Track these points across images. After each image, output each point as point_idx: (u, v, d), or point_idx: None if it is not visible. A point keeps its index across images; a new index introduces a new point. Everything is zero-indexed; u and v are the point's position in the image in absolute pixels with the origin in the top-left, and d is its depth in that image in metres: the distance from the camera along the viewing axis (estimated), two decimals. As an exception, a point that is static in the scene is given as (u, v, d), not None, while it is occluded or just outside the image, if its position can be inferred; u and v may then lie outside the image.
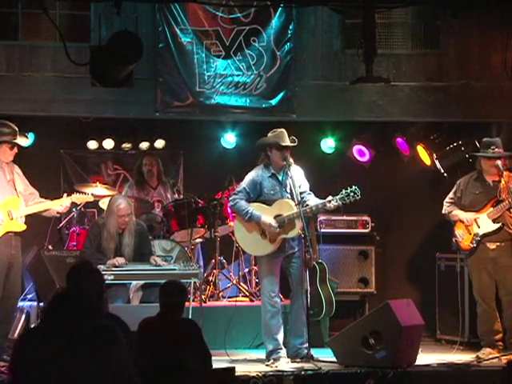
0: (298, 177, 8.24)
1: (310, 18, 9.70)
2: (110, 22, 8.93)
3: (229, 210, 9.76)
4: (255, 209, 8.17)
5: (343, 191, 8.05)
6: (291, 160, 8.21)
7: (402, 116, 10.02)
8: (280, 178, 8.22)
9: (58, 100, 9.41)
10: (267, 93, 9.63)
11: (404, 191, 10.87)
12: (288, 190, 8.18)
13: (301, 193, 8.16)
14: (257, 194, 8.24)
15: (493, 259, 8.50)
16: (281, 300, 8.36)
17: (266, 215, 8.12)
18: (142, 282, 8.55)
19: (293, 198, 8.10)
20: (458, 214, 8.65)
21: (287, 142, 8.13)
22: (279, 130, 8.22)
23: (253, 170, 8.32)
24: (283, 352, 8.13)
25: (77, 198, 8.57)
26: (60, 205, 8.37)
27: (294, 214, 8.02)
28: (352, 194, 8.03)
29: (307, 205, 8.10)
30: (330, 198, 8.05)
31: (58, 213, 8.55)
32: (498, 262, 8.49)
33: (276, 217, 8.11)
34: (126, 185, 10.72)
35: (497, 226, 8.48)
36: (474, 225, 8.55)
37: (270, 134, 8.25)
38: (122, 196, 9.11)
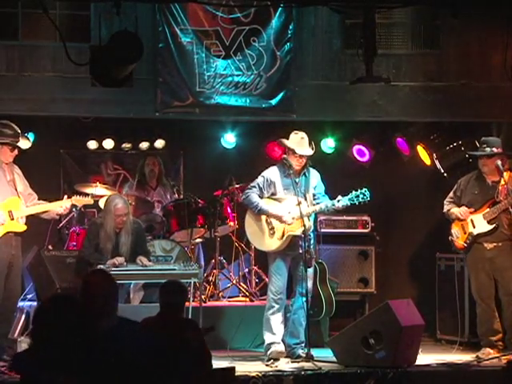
0: (314, 179, 8.35)
1: (310, 18, 9.70)
2: (110, 22, 8.91)
3: (229, 210, 9.78)
4: (266, 204, 8.23)
5: (353, 192, 8.12)
6: (309, 162, 8.28)
7: (402, 116, 10.02)
8: (295, 178, 8.25)
9: (58, 100, 9.40)
10: (267, 93, 9.63)
11: (404, 191, 10.86)
12: (302, 190, 8.22)
13: (314, 194, 8.25)
14: (270, 192, 8.32)
15: (490, 259, 8.51)
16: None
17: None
18: (143, 281, 8.56)
19: (305, 198, 8.15)
20: (454, 210, 8.66)
21: (305, 150, 8.19)
22: (300, 134, 8.27)
23: (270, 168, 8.38)
24: (281, 346, 8.15)
25: (77, 200, 8.57)
26: (60, 206, 8.37)
27: (303, 211, 8.04)
28: (361, 195, 8.11)
29: (317, 204, 8.19)
30: (339, 197, 8.14)
31: (57, 214, 8.55)
32: (495, 262, 8.50)
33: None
34: (125, 185, 10.72)
35: (491, 227, 8.48)
36: (470, 224, 8.56)
37: (292, 136, 8.30)
38: (118, 195, 9.09)
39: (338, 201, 8.13)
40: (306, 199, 8.20)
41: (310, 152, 8.25)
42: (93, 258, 8.40)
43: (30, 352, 4.38)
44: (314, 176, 8.40)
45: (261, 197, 8.29)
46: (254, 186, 8.34)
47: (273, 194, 8.31)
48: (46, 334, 4.27)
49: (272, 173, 8.34)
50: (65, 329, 4.28)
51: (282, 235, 8.18)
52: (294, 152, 8.22)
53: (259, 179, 8.36)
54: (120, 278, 8.26)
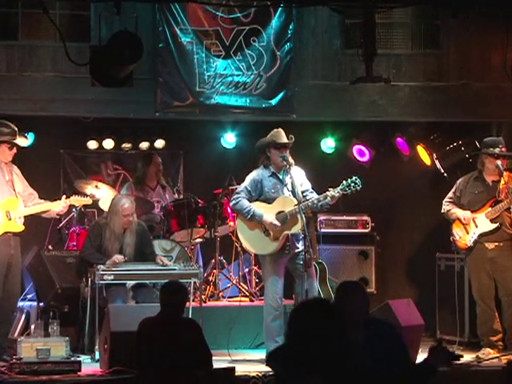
0: (299, 176, 8.26)
1: (309, 17, 9.70)
2: (110, 21, 8.92)
3: (229, 210, 9.77)
4: (257, 207, 8.19)
5: (344, 182, 8.06)
6: (291, 160, 8.23)
7: (402, 116, 10.02)
8: (280, 176, 8.24)
9: (58, 100, 9.40)
10: (267, 93, 9.62)
11: (404, 191, 10.87)
12: (289, 188, 8.19)
13: (303, 191, 8.19)
14: (258, 194, 8.26)
15: (491, 259, 8.51)
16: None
17: (268, 213, 8.13)
18: (142, 282, 8.57)
19: (294, 196, 8.11)
20: (456, 211, 8.66)
21: (283, 140, 8.15)
22: (276, 129, 8.25)
23: (253, 171, 8.34)
24: None
25: (75, 200, 8.60)
26: (58, 206, 8.39)
27: (295, 209, 8.01)
28: (353, 184, 8.04)
29: (309, 199, 8.13)
30: (330, 189, 8.06)
31: (57, 214, 8.56)
32: (496, 263, 8.50)
33: (278, 213, 8.13)
34: (124, 185, 10.70)
35: (494, 226, 8.49)
36: (472, 224, 8.56)
37: (268, 135, 8.28)
38: (124, 195, 9.17)
39: (330, 192, 8.03)
40: (295, 197, 8.10)
41: (290, 140, 8.18)
42: (93, 258, 8.42)
43: (286, 350, 4.23)
44: (299, 173, 8.30)
45: (250, 200, 8.23)
46: (242, 191, 8.27)
47: (260, 196, 8.26)
48: (301, 336, 4.16)
49: (257, 174, 8.28)
50: (318, 334, 4.15)
51: (277, 236, 8.14)
52: (274, 145, 8.17)
53: (246, 182, 8.29)
54: (120, 278, 8.32)
